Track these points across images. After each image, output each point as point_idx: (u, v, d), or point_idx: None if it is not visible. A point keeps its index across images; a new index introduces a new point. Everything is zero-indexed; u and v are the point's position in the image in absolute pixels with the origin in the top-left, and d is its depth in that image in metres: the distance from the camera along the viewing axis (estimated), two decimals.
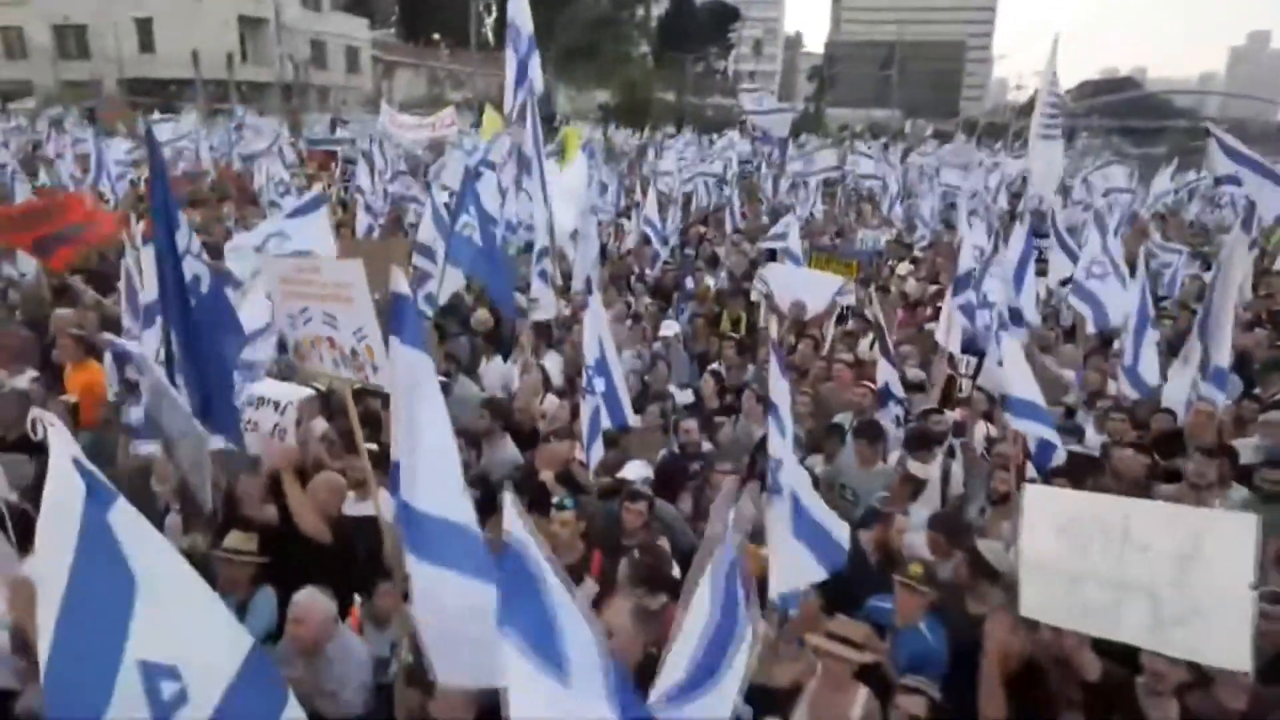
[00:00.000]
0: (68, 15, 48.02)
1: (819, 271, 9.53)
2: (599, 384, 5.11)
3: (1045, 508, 3.26)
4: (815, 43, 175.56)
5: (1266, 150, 12.91)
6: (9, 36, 50.01)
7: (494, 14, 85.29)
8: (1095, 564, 3.08)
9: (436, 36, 66.62)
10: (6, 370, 6.09)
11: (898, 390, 5.97)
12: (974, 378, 6.86)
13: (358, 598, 4.17)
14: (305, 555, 4.26)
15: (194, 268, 4.67)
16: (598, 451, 5.15)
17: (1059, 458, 5.07)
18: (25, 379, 5.99)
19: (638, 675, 2.52)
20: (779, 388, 3.63)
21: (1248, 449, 5.66)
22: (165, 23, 47.13)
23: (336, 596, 3.85)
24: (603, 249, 13.70)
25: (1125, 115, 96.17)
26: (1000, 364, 5.24)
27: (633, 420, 5.76)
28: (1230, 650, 2.86)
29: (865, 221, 16.21)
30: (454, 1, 64.94)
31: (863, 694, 3.46)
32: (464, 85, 62.09)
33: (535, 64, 8.87)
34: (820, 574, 3.79)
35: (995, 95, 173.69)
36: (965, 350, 7.38)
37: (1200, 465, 4.91)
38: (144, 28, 48.01)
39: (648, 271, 11.90)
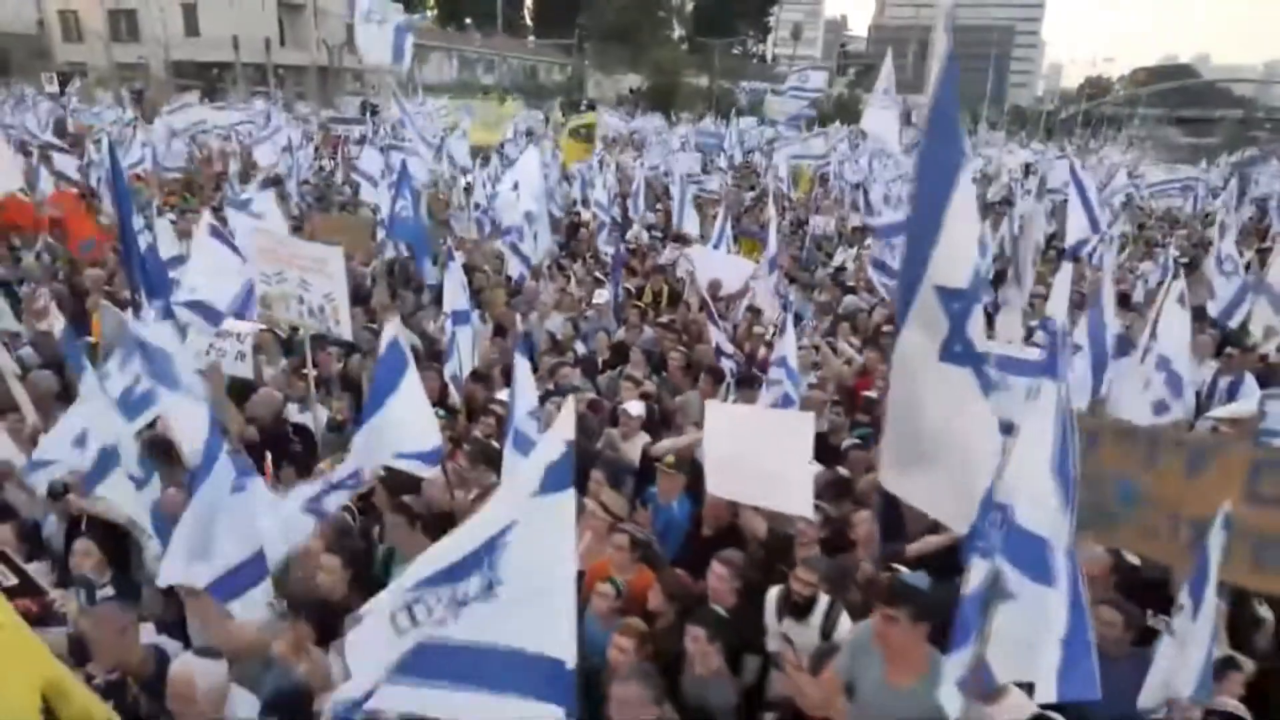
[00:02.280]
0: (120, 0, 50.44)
1: (736, 256, 10.52)
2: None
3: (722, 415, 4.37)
4: (862, 26, 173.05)
5: None
6: (67, 20, 52.58)
7: None
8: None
9: (469, 21, 67.88)
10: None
11: (726, 347, 7.21)
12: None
13: None
14: None
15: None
16: None
17: None
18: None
19: None
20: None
21: None
22: (209, 7, 49.20)
23: None
24: (575, 227, 14.96)
25: (1179, 104, 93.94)
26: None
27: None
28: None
29: (823, 208, 16.98)
30: None
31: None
32: (494, 69, 63.31)
33: None
34: None
35: (1049, 82, 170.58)
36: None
37: None
38: (189, 12, 50.18)
39: (605, 249, 12.94)
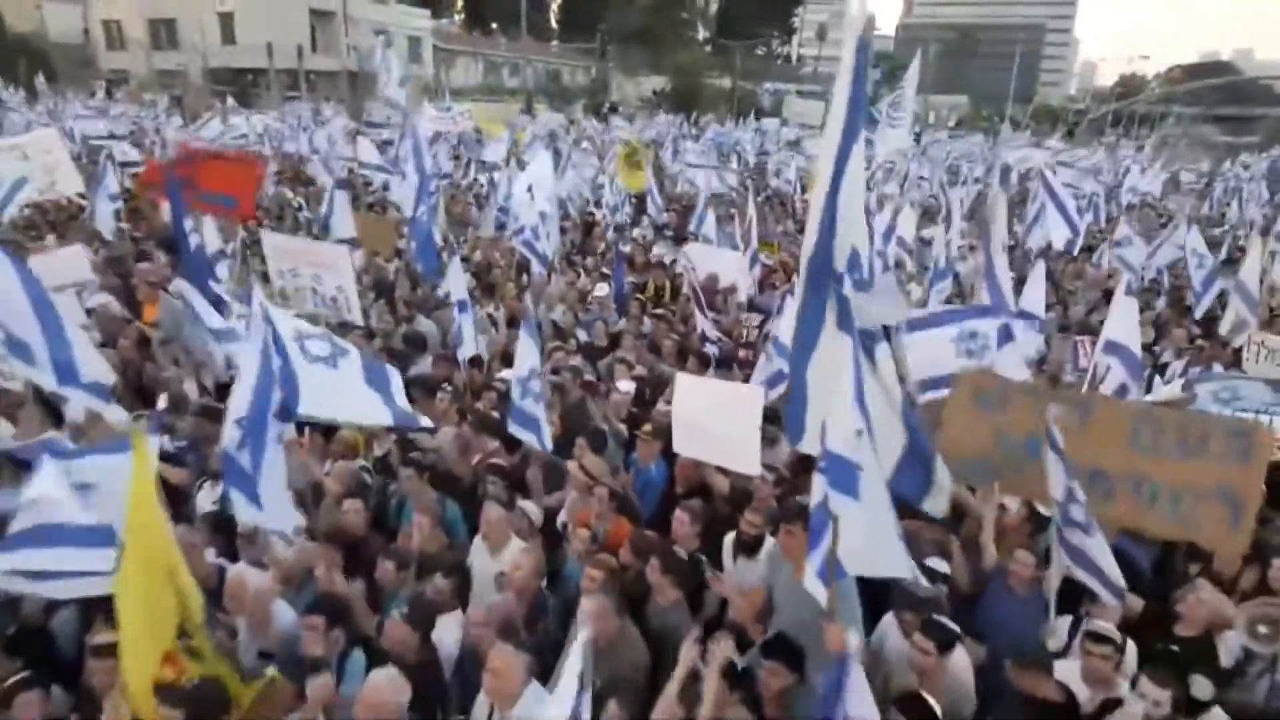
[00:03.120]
0: (160, 9, 52.21)
1: (729, 251, 11.19)
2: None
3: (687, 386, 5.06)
4: (890, 25, 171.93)
5: None
6: (110, 29, 54.56)
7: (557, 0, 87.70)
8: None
9: (495, 26, 69.00)
10: None
11: (711, 333, 7.95)
12: None
13: None
14: None
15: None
16: None
17: None
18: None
19: None
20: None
21: None
22: (245, 16, 50.78)
23: None
24: (590, 226, 15.72)
25: (1217, 103, 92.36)
26: None
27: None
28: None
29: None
30: None
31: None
32: (520, 72, 64.35)
33: None
34: None
35: (1082, 79, 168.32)
36: None
37: None
38: (226, 21, 51.81)
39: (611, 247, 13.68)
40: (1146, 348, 8.28)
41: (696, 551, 4.74)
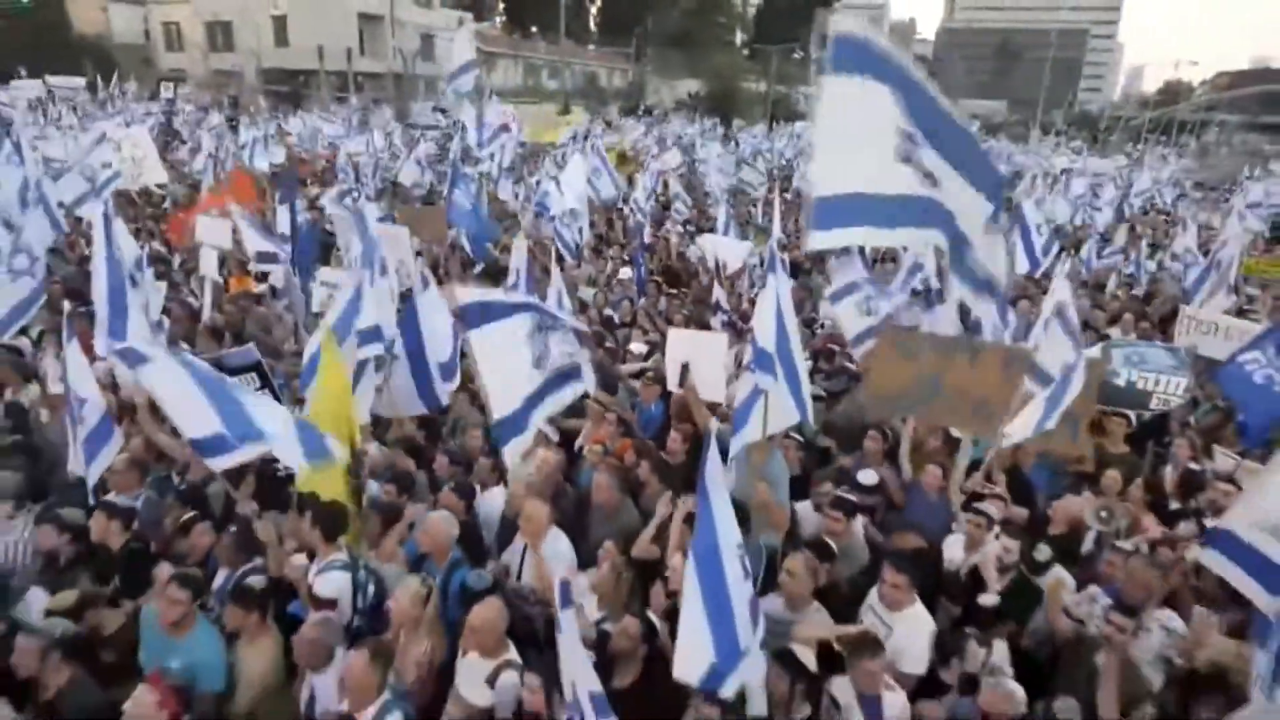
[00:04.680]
0: (217, 12, 54.78)
1: (736, 240, 12.53)
2: None
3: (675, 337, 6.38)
4: (931, 29, 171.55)
5: None
6: (169, 31, 57.29)
7: (596, 3, 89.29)
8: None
9: (534, 29, 70.72)
10: None
11: (724, 304, 9.46)
12: None
13: None
14: None
15: None
16: None
17: None
18: None
19: None
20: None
21: None
22: (297, 19, 53.07)
23: None
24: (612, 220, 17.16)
25: (1263, 110, 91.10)
26: None
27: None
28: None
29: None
30: None
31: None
32: (559, 74, 65.98)
33: None
34: None
35: (1128, 84, 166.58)
36: None
37: None
38: (279, 24, 54.18)
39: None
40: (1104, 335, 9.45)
41: (684, 462, 6.07)
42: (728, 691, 3.33)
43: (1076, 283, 12.51)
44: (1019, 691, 3.59)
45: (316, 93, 47.21)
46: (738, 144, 32.51)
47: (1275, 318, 10.32)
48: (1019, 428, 5.51)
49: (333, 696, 3.60)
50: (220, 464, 4.43)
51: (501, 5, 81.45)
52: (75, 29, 51.54)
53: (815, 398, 5.97)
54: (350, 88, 46.27)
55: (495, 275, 11.55)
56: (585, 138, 26.87)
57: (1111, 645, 3.87)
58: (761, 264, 9.49)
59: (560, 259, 12.67)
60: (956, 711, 3.88)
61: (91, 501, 4.87)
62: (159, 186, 16.04)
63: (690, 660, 3.25)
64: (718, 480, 3.22)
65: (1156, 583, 4.28)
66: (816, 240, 3.34)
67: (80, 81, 35.36)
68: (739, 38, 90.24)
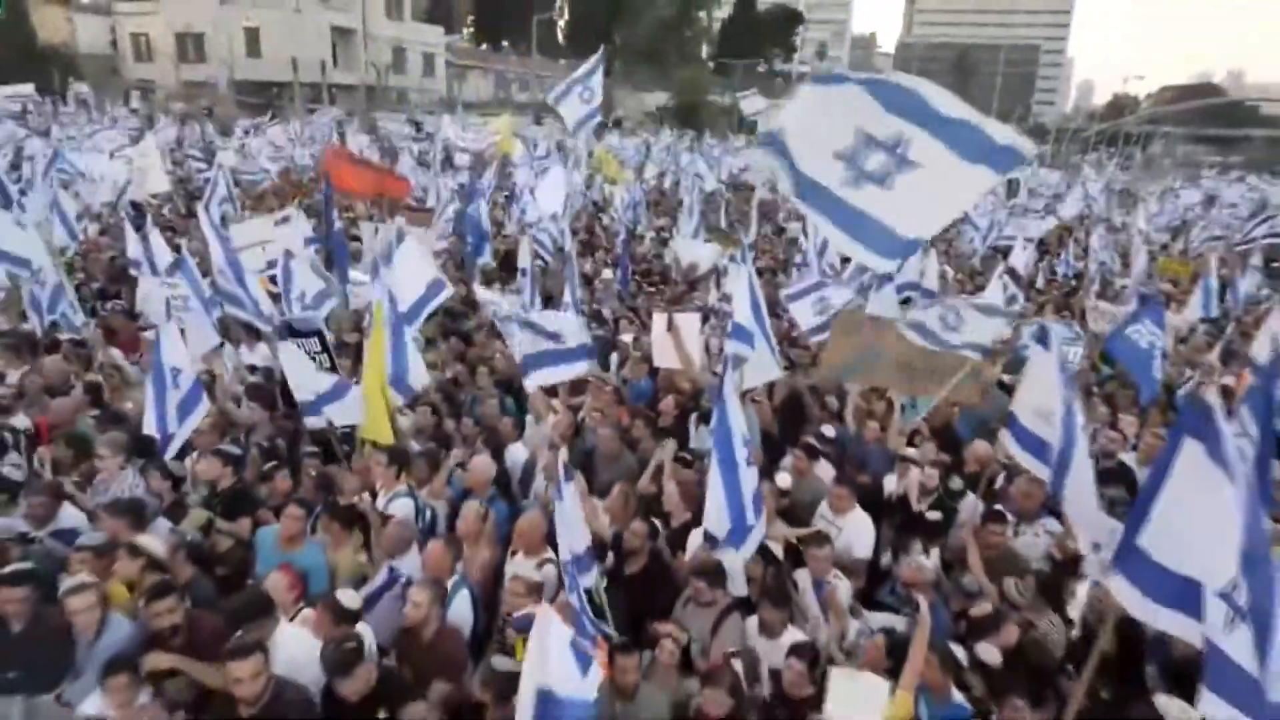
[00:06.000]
0: (189, 23, 55.13)
1: (708, 244, 13.83)
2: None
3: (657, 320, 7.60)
4: (891, 43, 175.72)
5: None
6: (138, 41, 57.43)
7: (564, 17, 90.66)
8: None
9: (505, 43, 71.88)
10: None
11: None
12: None
13: None
14: None
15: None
16: None
17: None
18: None
19: None
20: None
21: None
22: (270, 32, 53.72)
23: None
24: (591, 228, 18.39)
25: (1204, 123, 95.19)
26: None
27: None
28: None
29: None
30: (523, 8, 70.00)
31: None
32: (529, 87, 67.16)
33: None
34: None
35: (1079, 98, 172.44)
36: None
37: None
38: (252, 36, 54.76)
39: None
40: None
41: (673, 425, 7.28)
42: (746, 552, 4.66)
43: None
44: (928, 564, 4.86)
45: (290, 104, 47.79)
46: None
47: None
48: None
49: (415, 572, 4.73)
50: (313, 423, 5.62)
51: (470, 18, 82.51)
52: (40, 38, 51.53)
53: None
54: (325, 100, 46.94)
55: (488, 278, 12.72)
56: (561, 149, 28.19)
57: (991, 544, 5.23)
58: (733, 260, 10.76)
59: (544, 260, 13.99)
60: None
61: (171, 455, 6.00)
62: (153, 197, 16.86)
63: (717, 523, 4.57)
64: (732, 392, 4.50)
65: (1039, 499, 5.60)
66: (800, 205, 4.43)
67: (29, 88, 35.32)
68: (705, 51, 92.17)
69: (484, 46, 79.98)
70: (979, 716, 3.91)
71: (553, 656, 2.88)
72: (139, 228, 11.24)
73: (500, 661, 3.95)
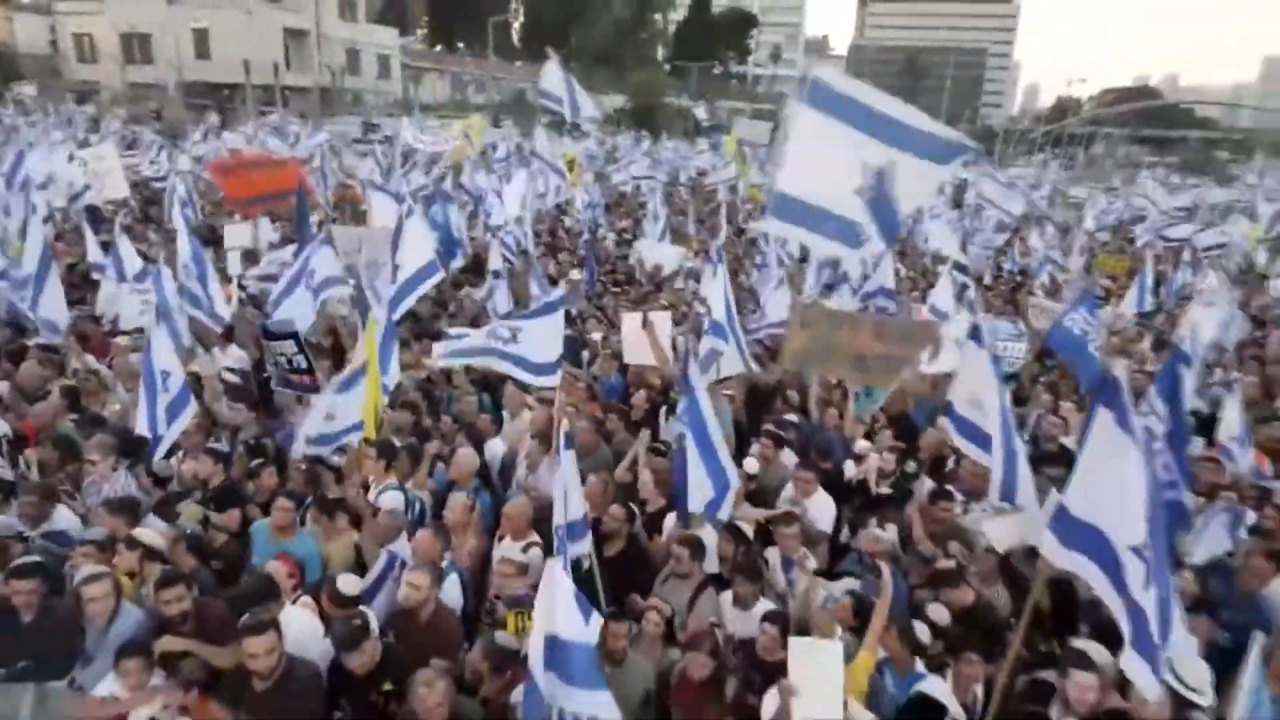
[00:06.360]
0: (134, 24, 53.90)
1: (673, 246, 14.23)
2: None
3: (626, 319, 7.93)
4: (842, 45, 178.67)
5: None
6: (81, 42, 55.97)
7: (520, 19, 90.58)
8: None
9: (461, 45, 71.57)
10: None
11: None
12: None
13: None
14: None
15: None
16: None
17: None
18: None
19: None
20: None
21: None
22: (220, 33, 52.80)
23: None
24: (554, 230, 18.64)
25: (1142, 125, 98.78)
26: None
27: None
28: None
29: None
30: (477, 11, 69.82)
31: None
32: (485, 89, 66.99)
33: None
34: None
35: (1025, 101, 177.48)
36: None
37: None
38: (201, 37, 53.75)
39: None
40: None
41: (644, 418, 7.61)
42: (725, 513, 5.17)
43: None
44: (885, 536, 5.27)
45: (242, 106, 47.03)
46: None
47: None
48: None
49: (406, 559, 4.98)
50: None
51: (425, 20, 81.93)
52: None
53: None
54: (278, 102, 46.29)
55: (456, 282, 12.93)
56: (523, 150, 28.35)
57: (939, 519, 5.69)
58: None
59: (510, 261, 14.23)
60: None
61: (160, 455, 6.13)
62: (110, 203, 16.66)
63: (700, 497, 5.07)
64: (698, 379, 4.96)
65: (985, 479, 6.05)
66: (772, 226, 4.96)
67: None
68: (660, 54, 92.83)
69: (439, 48, 79.66)
70: (936, 670, 4.30)
71: (559, 605, 3.21)
72: (97, 232, 11.23)
73: (501, 637, 4.23)
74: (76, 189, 13.73)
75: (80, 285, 11.31)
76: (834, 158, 4.79)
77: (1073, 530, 3.49)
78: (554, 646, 3.23)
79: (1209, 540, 5.34)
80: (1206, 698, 3.98)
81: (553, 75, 12.57)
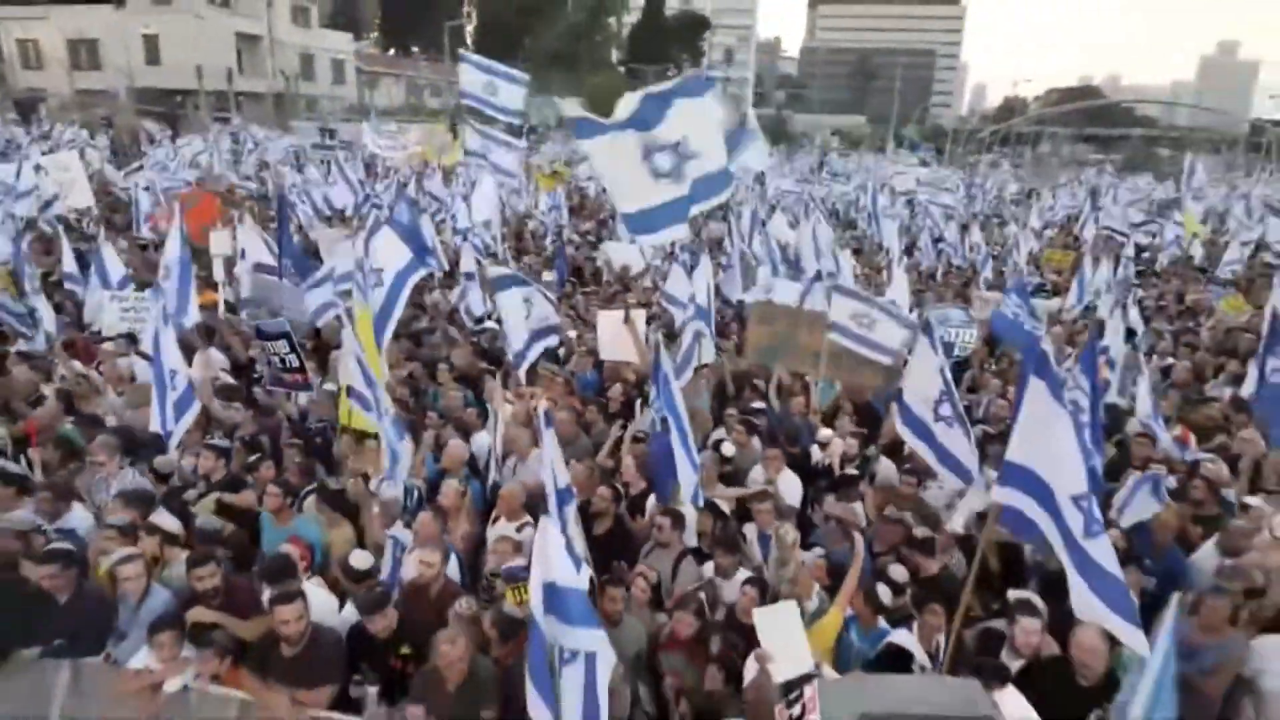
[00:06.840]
0: (81, 29, 52.75)
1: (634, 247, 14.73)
2: None
3: (601, 317, 8.36)
4: (794, 47, 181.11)
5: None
6: (26, 49, 54.59)
7: (473, 22, 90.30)
8: None
9: (415, 49, 71.26)
10: None
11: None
12: None
13: None
14: None
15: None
16: None
17: None
18: None
19: None
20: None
21: None
22: (170, 38, 51.90)
23: None
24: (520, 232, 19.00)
25: (1086, 124, 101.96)
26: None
27: None
28: None
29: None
30: (432, 15, 69.59)
31: None
32: (441, 93, 66.81)
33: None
34: None
35: (974, 101, 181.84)
36: None
37: None
38: (151, 43, 52.79)
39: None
40: None
41: (621, 410, 8.05)
42: (699, 500, 5.56)
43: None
44: (858, 508, 5.81)
45: (195, 113, 46.42)
46: None
47: None
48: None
49: (408, 540, 5.36)
50: None
51: (378, 24, 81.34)
52: None
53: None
54: (232, 108, 45.80)
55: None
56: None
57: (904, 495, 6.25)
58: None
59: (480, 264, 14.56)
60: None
61: (169, 450, 6.44)
62: (77, 213, 16.57)
63: (688, 487, 5.54)
64: (669, 367, 5.41)
65: None
66: (644, 240, 5.47)
67: None
68: (615, 57, 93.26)
69: (393, 52, 79.13)
70: (903, 622, 4.81)
71: (553, 555, 3.65)
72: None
73: (508, 607, 4.64)
74: (45, 198, 13.72)
75: (52, 294, 11.42)
76: (630, 163, 5.33)
77: (1014, 472, 4.01)
78: (551, 592, 3.65)
79: (1137, 505, 5.96)
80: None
81: (470, 75, 12.13)
